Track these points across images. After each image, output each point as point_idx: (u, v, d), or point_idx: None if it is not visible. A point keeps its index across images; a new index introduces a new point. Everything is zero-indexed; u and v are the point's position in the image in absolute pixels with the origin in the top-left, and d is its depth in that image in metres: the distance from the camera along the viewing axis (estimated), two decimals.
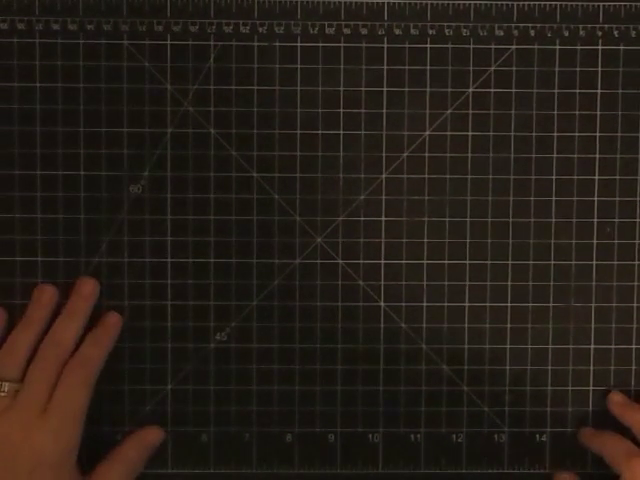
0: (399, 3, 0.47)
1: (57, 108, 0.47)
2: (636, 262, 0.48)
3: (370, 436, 0.49)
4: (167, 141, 0.47)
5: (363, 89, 0.48)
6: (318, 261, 0.48)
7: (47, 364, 0.45)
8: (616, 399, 0.48)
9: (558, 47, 0.48)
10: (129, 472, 0.46)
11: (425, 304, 0.48)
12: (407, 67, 0.47)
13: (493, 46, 0.48)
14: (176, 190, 0.48)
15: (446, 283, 0.48)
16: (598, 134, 0.48)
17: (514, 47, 0.48)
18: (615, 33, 0.48)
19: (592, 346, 0.49)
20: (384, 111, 0.48)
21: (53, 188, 0.47)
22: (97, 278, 0.48)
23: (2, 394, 0.44)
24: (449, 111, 0.48)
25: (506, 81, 0.48)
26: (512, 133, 0.48)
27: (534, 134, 0.48)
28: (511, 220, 0.48)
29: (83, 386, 0.45)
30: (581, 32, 0.48)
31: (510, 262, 0.48)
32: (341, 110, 0.48)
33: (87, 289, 0.47)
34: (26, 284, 0.47)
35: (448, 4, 0.47)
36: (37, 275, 0.47)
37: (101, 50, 0.47)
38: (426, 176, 0.48)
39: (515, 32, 0.48)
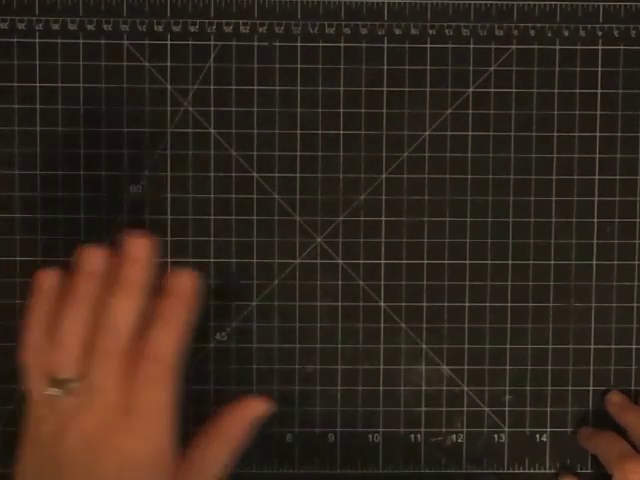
0: (399, 3, 0.47)
1: (57, 108, 0.47)
2: (636, 262, 0.48)
3: (370, 436, 0.49)
4: (167, 141, 0.48)
5: (363, 89, 0.48)
6: (318, 261, 0.48)
7: (111, 359, 0.38)
8: (614, 399, 0.48)
9: (558, 47, 0.48)
10: (231, 450, 0.41)
11: (425, 304, 0.48)
12: (407, 67, 0.47)
13: (493, 46, 0.48)
14: (176, 190, 0.48)
15: (446, 283, 0.48)
16: (598, 134, 0.48)
17: (514, 47, 0.48)
18: (615, 33, 0.48)
19: (592, 346, 0.49)
20: (384, 111, 0.48)
21: (53, 188, 0.47)
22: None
23: (70, 398, 0.38)
24: (449, 111, 0.48)
25: (506, 81, 0.48)
26: (512, 133, 0.48)
27: (534, 134, 0.48)
28: (511, 220, 0.48)
29: (163, 383, 0.38)
30: (581, 32, 0.48)
31: (510, 262, 0.48)
32: (341, 110, 0.48)
33: (141, 250, 0.39)
34: (26, 284, 0.47)
35: (448, 4, 0.47)
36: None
37: (101, 50, 0.47)
38: (426, 176, 0.48)
39: (515, 32, 0.48)
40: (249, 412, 0.42)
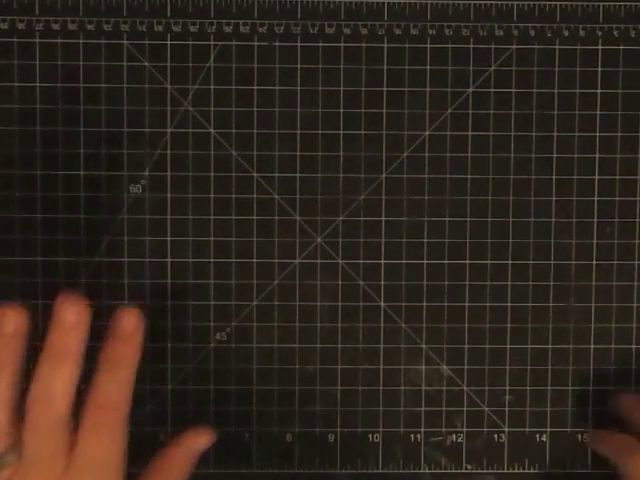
0: (399, 3, 0.47)
1: (57, 108, 0.47)
2: (636, 262, 0.48)
3: (370, 436, 0.49)
4: (167, 141, 0.48)
5: (363, 89, 0.48)
6: (318, 261, 0.48)
7: (45, 430, 0.36)
8: (628, 398, 0.47)
9: (558, 47, 0.48)
10: None
11: (425, 304, 0.48)
12: (407, 67, 0.47)
13: (493, 46, 0.48)
14: (176, 190, 0.48)
15: (446, 283, 0.48)
16: (598, 134, 0.48)
17: (514, 47, 0.48)
18: (615, 33, 0.48)
19: (592, 346, 0.49)
20: (384, 111, 0.48)
21: (53, 188, 0.47)
22: (97, 278, 0.48)
23: (6, 471, 0.36)
24: (449, 111, 0.48)
25: (506, 81, 0.48)
26: (512, 133, 0.48)
27: (534, 134, 0.48)
28: (511, 220, 0.48)
29: (113, 432, 0.37)
30: (581, 32, 0.48)
31: (510, 262, 0.48)
32: (341, 110, 0.48)
33: (71, 316, 0.36)
34: (26, 284, 0.47)
35: (448, 4, 0.47)
36: (37, 275, 0.47)
37: (101, 50, 0.47)
38: (426, 176, 0.48)
39: (515, 32, 0.48)
40: (193, 445, 0.41)
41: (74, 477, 0.36)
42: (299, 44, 0.47)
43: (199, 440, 0.42)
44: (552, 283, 0.48)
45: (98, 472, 0.37)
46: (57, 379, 0.35)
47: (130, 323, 0.37)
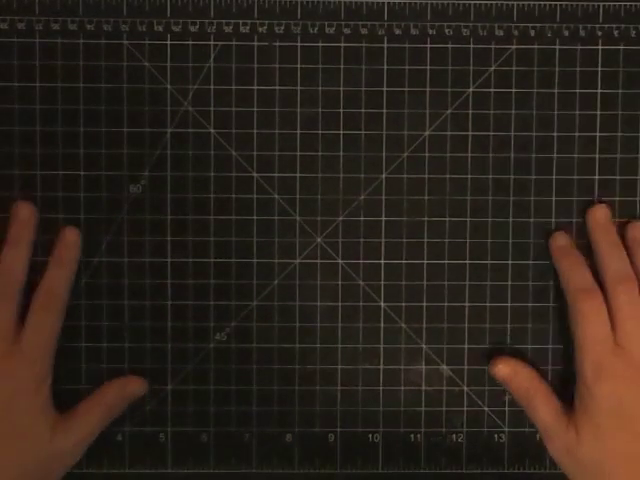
0: (399, 3, 0.47)
1: (57, 108, 0.47)
2: None
3: (370, 436, 0.49)
4: (167, 141, 0.48)
5: (363, 89, 0.48)
6: (318, 261, 0.48)
7: (5, 300, 0.45)
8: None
9: (558, 47, 0.48)
10: (105, 416, 0.47)
11: (425, 304, 0.48)
12: (407, 67, 0.47)
13: (493, 46, 0.48)
14: (176, 190, 0.48)
15: (446, 283, 0.48)
16: (598, 134, 0.48)
17: (514, 47, 0.48)
18: (615, 33, 0.48)
19: None
20: (384, 111, 0.48)
21: (53, 188, 0.47)
22: (97, 278, 0.48)
23: None
24: (449, 111, 0.48)
25: (506, 81, 0.48)
26: (512, 133, 0.48)
27: (534, 134, 0.48)
28: (511, 220, 0.48)
29: (50, 312, 0.45)
30: (581, 32, 0.48)
31: (510, 262, 0.48)
32: (341, 110, 0.48)
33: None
34: (26, 284, 0.47)
35: (448, 4, 0.47)
36: (37, 274, 0.47)
37: (101, 50, 0.47)
38: (426, 176, 0.48)
39: (515, 32, 0.48)
40: (129, 389, 0.47)
41: (18, 347, 0.44)
42: (299, 44, 0.47)
43: (130, 384, 0.47)
44: (552, 283, 0.48)
45: (36, 344, 0.45)
46: (18, 258, 0.46)
47: (72, 236, 0.47)
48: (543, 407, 0.46)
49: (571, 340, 0.46)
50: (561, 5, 0.48)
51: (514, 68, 0.48)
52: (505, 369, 0.47)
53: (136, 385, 0.47)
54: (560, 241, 0.47)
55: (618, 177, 0.48)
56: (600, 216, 0.47)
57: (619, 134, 0.48)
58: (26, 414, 0.44)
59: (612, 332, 0.44)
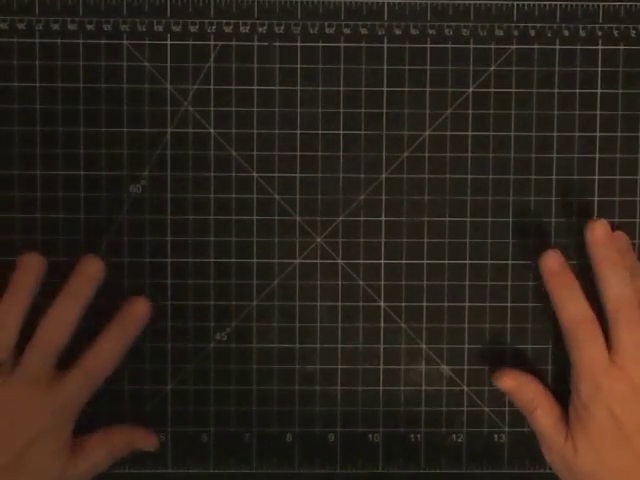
0: (399, 3, 0.47)
1: (57, 108, 0.47)
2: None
3: (370, 436, 0.49)
4: (167, 141, 0.48)
5: (363, 89, 0.48)
6: (318, 261, 0.48)
7: (48, 346, 0.44)
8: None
9: (558, 47, 0.48)
10: (109, 460, 0.46)
11: (425, 304, 0.48)
12: (407, 67, 0.47)
13: (493, 46, 0.48)
14: (176, 190, 0.48)
15: (446, 283, 0.48)
16: (598, 134, 0.48)
17: (514, 47, 0.48)
18: (615, 33, 0.48)
19: None
20: (384, 111, 0.48)
21: (53, 188, 0.47)
22: None
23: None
24: (449, 111, 0.48)
25: (506, 81, 0.48)
26: (512, 133, 0.48)
27: (534, 134, 0.48)
28: (511, 220, 0.48)
29: (91, 379, 0.44)
30: (581, 32, 0.48)
31: (510, 262, 0.48)
32: (341, 110, 0.48)
33: (92, 269, 0.45)
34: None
35: (448, 4, 0.47)
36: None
37: (101, 50, 0.47)
38: (426, 176, 0.48)
39: (515, 32, 0.48)
40: (138, 444, 0.47)
41: (54, 394, 0.44)
42: (299, 44, 0.47)
43: (141, 441, 0.47)
44: None
45: (74, 403, 0.44)
46: (71, 309, 0.44)
47: (139, 308, 0.46)
48: (545, 418, 0.46)
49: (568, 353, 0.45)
50: (561, 5, 0.48)
51: (514, 68, 0.48)
52: (511, 382, 0.46)
53: (147, 443, 0.47)
54: (551, 264, 0.45)
55: (618, 177, 0.48)
56: (599, 234, 0.45)
57: (619, 134, 0.48)
58: (43, 455, 0.44)
59: (609, 351, 0.44)
